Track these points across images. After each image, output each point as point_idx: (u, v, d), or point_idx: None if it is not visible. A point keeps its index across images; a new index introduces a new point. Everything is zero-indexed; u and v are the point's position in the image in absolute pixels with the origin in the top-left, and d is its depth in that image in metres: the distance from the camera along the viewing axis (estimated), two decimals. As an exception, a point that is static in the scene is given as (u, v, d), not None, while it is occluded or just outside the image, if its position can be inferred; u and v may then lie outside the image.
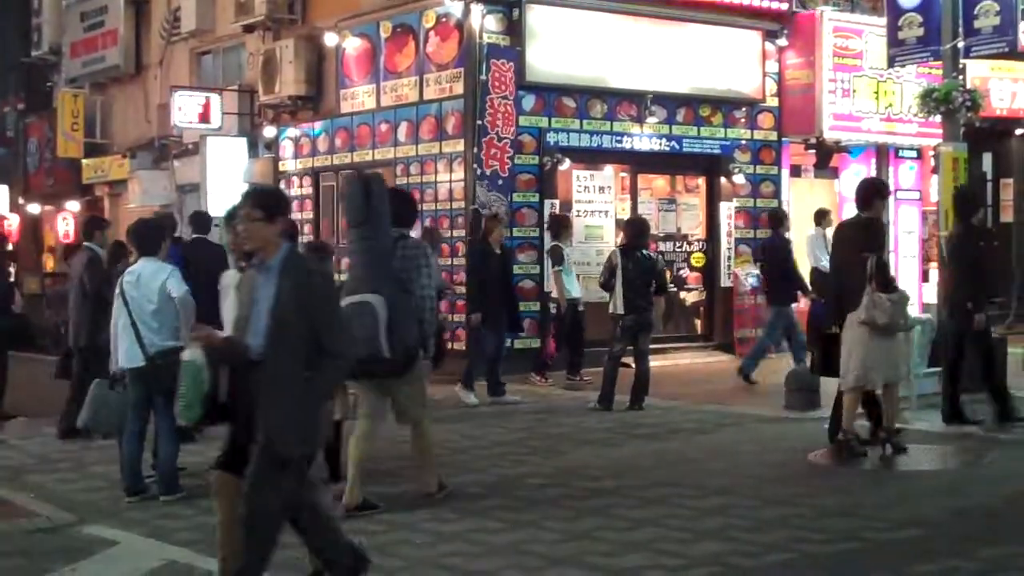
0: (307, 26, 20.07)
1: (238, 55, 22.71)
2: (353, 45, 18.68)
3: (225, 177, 21.31)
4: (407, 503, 8.82)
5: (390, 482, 9.58)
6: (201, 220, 13.69)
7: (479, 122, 16.32)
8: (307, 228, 19.77)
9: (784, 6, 18.90)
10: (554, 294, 15.97)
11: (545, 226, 16.67)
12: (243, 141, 21.65)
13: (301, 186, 20.17)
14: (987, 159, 21.87)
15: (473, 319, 14.35)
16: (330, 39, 18.94)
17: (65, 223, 28.85)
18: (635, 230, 13.77)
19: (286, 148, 20.50)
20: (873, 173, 20.40)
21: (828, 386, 13.48)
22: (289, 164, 20.42)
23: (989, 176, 22.21)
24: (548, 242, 16.21)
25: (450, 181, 17.00)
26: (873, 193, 11.17)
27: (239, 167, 21.33)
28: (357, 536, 6.73)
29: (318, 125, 19.71)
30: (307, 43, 19.61)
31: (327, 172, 19.63)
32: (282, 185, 20.46)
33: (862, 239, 10.59)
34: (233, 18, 21.46)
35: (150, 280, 9.28)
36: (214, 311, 7.54)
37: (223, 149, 21.63)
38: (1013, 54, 16.88)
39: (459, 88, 16.82)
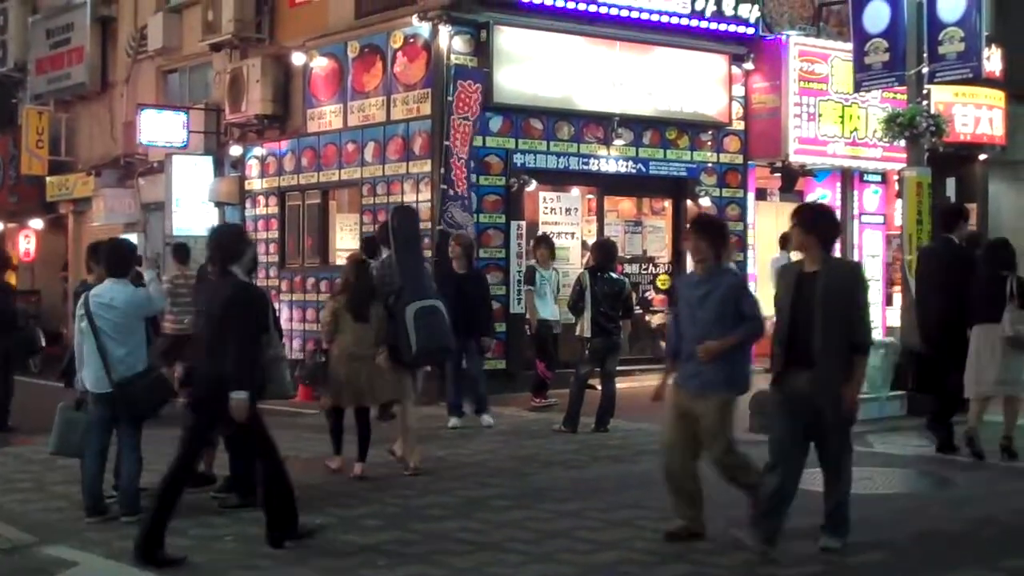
0: (274, 45, 20.04)
1: (205, 73, 22.64)
2: (320, 65, 18.66)
3: (190, 196, 21.24)
4: (368, 526, 8.77)
5: (350, 504, 9.54)
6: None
7: (446, 143, 16.32)
8: (272, 247, 19.70)
9: (750, 31, 19.00)
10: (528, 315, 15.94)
11: (523, 248, 16.71)
12: (209, 160, 21.58)
13: (267, 205, 20.11)
14: (951, 184, 22.00)
15: (488, 343, 14.45)
16: (297, 58, 18.91)
17: (27, 241, 28.66)
18: (603, 252, 13.78)
19: (252, 167, 20.44)
20: (838, 197, 20.57)
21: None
22: (255, 183, 20.36)
23: (953, 201, 22.33)
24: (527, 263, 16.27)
25: (417, 201, 16.96)
26: (957, 216, 12.27)
27: (205, 186, 21.24)
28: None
29: (284, 144, 19.67)
30: (274, 62, 19.59)
31: (293, 191, 19.59)
32: (247, 204, 20.43)
33: (987, 260, 11.48)
34: (200, 36, 21.42)
35: (127, 306, 9.17)
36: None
37: (189, 167, 21.55)
38: (977, 80, 17.07)
39: (426, 109, 16.81)
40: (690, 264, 18.18)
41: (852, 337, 7.51)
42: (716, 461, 8.14)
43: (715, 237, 8.23)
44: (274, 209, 19.97)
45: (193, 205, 21.27)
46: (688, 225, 8.84)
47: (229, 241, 8.57)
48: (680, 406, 8.16)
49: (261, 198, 20.25)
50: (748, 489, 8.06)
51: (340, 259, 18.98)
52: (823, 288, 7.47)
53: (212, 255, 8.69)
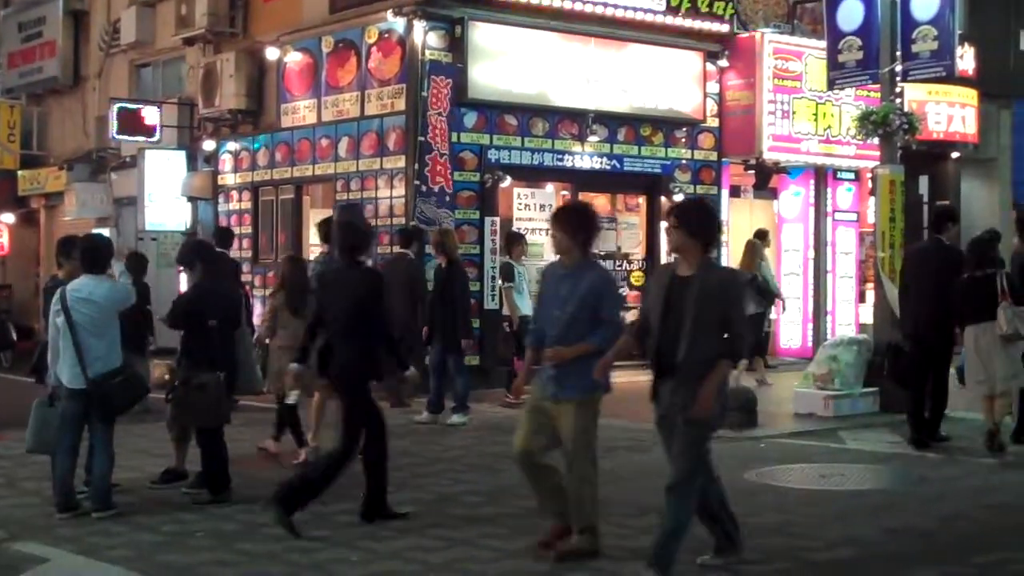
0: (248, 40, 19.97)
1: (178, 68, 22.55)
2: (294, 59, 18.60)
3: (163, 190, 21.15)
4: (341, 522, 8.75)
5: (323, 500, 9.50)
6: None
7: (421, 138, 16.29)
8: (246, 243, 19.63)
9: (725, 28, 19.04)
10: (506, 311, 15.90)
11: (497, 244, 16.69)
12: (182, 154, 21.51)
13: (240, 200, 20.04)
14: (924, 182, 22.12)
15: (467, 345, 14.44)
16: (271, 53, 18.85)
17: (-1, 235, 28.50)
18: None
19: (226, 162, 20.37)
20: (812, 194, 20.63)
21: (765, 405, 13.63)
22: (228, 178, 20.28)
23: (925, 199, 22.46)
24: (500, 259, 16.22)
25: (391, 197, 16.94)
26: (947, 218, 12.40)
27: (177, 180, 21.15)
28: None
29: (258, 139, 19.61)
30: (248, 57, 19.52)
31: (266, 186, 19.52)
32: (221, 199, 20.35)
33: (975, 258, 11.56)
34: (173, 31, 21.32)
35: (105, 300, 9.13)
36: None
37: (161, 162, 21.46)
38: (950, 78, 17.14)
39: (401, 104, 16.78)
40: (664, 261, 18.41)
41: (723, 346, 6.80)
42: (568, 467, 7.58)
43: (576, 227, 7.59)
44: (247, 204, 19.89)
45: (166, 200, 21.19)
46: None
47: (360, 232, 9.38)
48: (536, 399, 7.72)
49: (234, 193, 20.17)
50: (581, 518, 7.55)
51: (314, 254, 18.93)
52: (696, 295, 6.79)
53: (342, 245, 9.16)
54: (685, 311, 6.79)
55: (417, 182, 16.35)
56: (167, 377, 12.23)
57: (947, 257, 11.91)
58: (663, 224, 18.66)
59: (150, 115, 21.44)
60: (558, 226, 7.67)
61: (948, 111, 21.14)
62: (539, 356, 7.72)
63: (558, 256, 7.83)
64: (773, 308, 17.86)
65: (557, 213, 7.98)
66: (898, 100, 15.30)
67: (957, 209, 13.02)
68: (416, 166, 16.36)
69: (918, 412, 12.01)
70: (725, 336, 6.83)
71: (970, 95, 21.44)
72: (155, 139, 21.42)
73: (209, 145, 20.64)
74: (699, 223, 7.02)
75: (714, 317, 6.79)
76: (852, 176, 20.92)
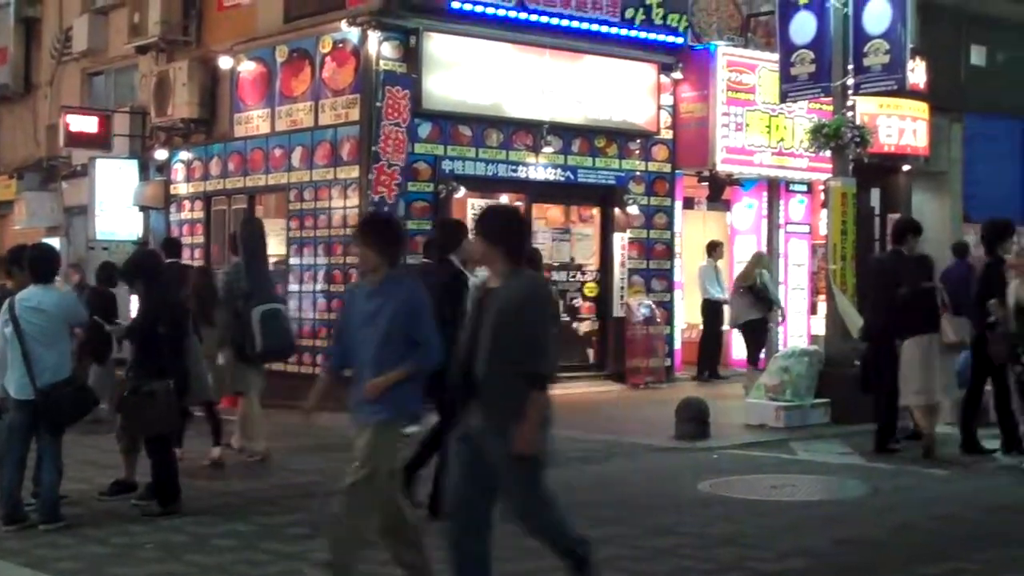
0: (202, 49, 19.86)
1: (130, 76, 22.39)
2: (248, 69, 18.52)
3: (114, 200, 21.01)
4: (292, 535, 8.69)
5: (273, 512, 9.46)
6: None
7: (374, 148, 16.24)
8: (197, 252, 19.51)
9: (679, 40, 19.09)
10: None
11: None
12: (134, 163, 21.34)
13: (192, 210, 19.92)
14: (875, 194, 22.26)
15: None
16: (225, 62, 18.76)
17: (-52, 244, 28.20)
18: (527, 261, 13.74)
19: (178, 171, 20.25)
20: (764, 206, 20.74)
21: (717, 416, 13.66)
22: (181, 187, 20.17)
23: (877, 211, 22.60)
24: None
25: (344, 207, 16.89)
26: (908, 231, 12.51)
27: (129, 189, 21.00)
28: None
29: (211, 148, 19.50)
30: (201, 66, 19.40)
31: (219, 196, 19.42)
32: (173, 208, 20.23)
33: (913, 273, 11.91)
34: (126, 39, 21.17)
35: (56, 310, 9.05)
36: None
37: (113, 171, 21.31)
38: (901, 92, 17.29)
39: (355, 114, 16.73)
40: (618, 272, 18.48)
41: (524, 366, 6.05)
42: (346, 490, 6.80)
43: (383, 242, 6.94)
44: (200, 214, 19.77)
45: (117, 209, 21.04)
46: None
47: (452, 231, 9.98)
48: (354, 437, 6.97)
49: (187, 202, 20.05)
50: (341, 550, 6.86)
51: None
52: (496, 309, 6.13)
53: (435, 243, 9.92)
54: (484, 326, 6.16)
55: (369, 192, 16.29)
56: (116, 387, 12.15)
57: (902, 269, 12.02)
58: (617, 236, 18.75)
59: (100, 124, 21.32)
60: (363, 241, 6.97)
61: (899, 124, 21.29)
62: (339, 380, 7.16)
63: (363, 274, 7.15)
64: (775, 315, 18.44)
65: (361, 227, 7.27)
66: (850, 113, 15.42)
67: (919, 222, 13.19)
68: (370, 176, 16.31)
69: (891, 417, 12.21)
70: (526, 359, 6.06)
71: (921, 108, 21.61)
72: (107, 148, 21.26)
73: (161, 154, 20.50)
74: (500, 229, 6.38)
75: (514, 334, 6.08)
76: (804, 188, 21.05)
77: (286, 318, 11.96)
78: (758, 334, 17.72)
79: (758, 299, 17.39)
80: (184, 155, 20.11)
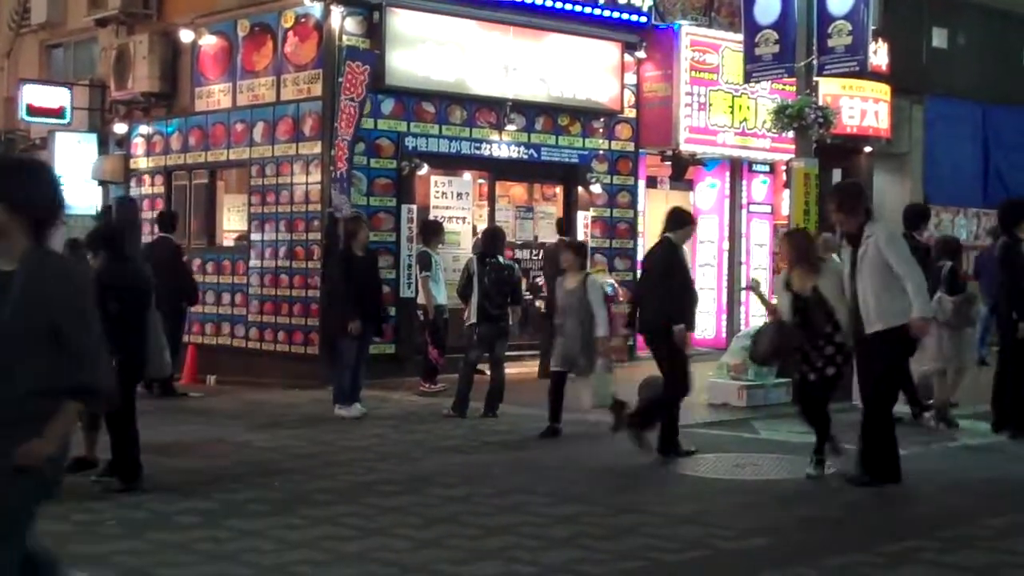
0: (162, 22, 19.68)
1: (90, 49, 22.17)
2: (209, 43, 18.35)
3: (74, 174, 20.79)
4: (254, 511, 8.65)
5: (234, 489, 9.42)
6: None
7: (336, 124, 16.14)
8: (158, 228, 19.33)
9: (643, 19, 19.08)
10: (421, 300, 15.76)
11: (414, 232, 16.58)
12: (93, 137, 21.16)
13: (153, 185, 19.77)
14: (837, 175, 22.33)
15: (353, 328, 13.36)
16: (186, 35, 18.58)
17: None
18: (489, 239, 13.76)
19: (138, 145, 20.07)
20: (727, 186, 20.79)
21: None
22: (141, 162, 20.00)
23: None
24: (417, 248, 16.08)
25: (306, 183, 16.80)
26: (921, 217, 13.32)
27: (88, 164, 20.81)
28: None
29: (171, 123, 19.34)
30: (162, 39, 19.21)
31: (180, 171, 19.28)
32: (133, 183, 20.06)
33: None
34: (86, 11, 20.99)
35: None
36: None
37: (72, 145, 21.11)
38: (863, 73, 17.34)
39: (317, 90, 16.63)
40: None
41: (62, 376, 4.43)
42: None
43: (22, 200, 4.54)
44: (160, 188, 19.62)
45: (76, 183, 20.80)
46: None
47: (675, 214, 11.19)
48: None
49: (147, 177, 19.88)
50: None
51: (228, 240, 18.78)
52: (15, 299, 4.39)
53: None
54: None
55: (331, 168, 16.19)
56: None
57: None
58: (580, 214, 18.75)
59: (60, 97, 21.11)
60: None
61: (861, 106, 21.39)
62: None
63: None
64: None
65: None
66: (813, 94, 15.44)
67: (928, 208, 13.60)
68: (332, 152, 16.21)
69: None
70: (64, 362, 4.44)
71: (883, 90, 21.71)
72: (65, 121, 21.06)
73: (121, 128, 20.33)
74: (21, 191, 4.51)
75: (41, 328, 4.41)
76: (767, 169, 21.12)
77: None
78: None
79: None
80: (144, 129, 19.93)
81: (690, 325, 11.05)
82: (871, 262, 9.27)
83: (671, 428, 10.82)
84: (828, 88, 19.31)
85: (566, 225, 17.97)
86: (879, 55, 20.47)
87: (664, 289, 10.71)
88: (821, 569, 7.19)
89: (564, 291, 12.11)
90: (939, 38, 23.78)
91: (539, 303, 17.10)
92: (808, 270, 9.82)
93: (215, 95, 18.34)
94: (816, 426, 10.03)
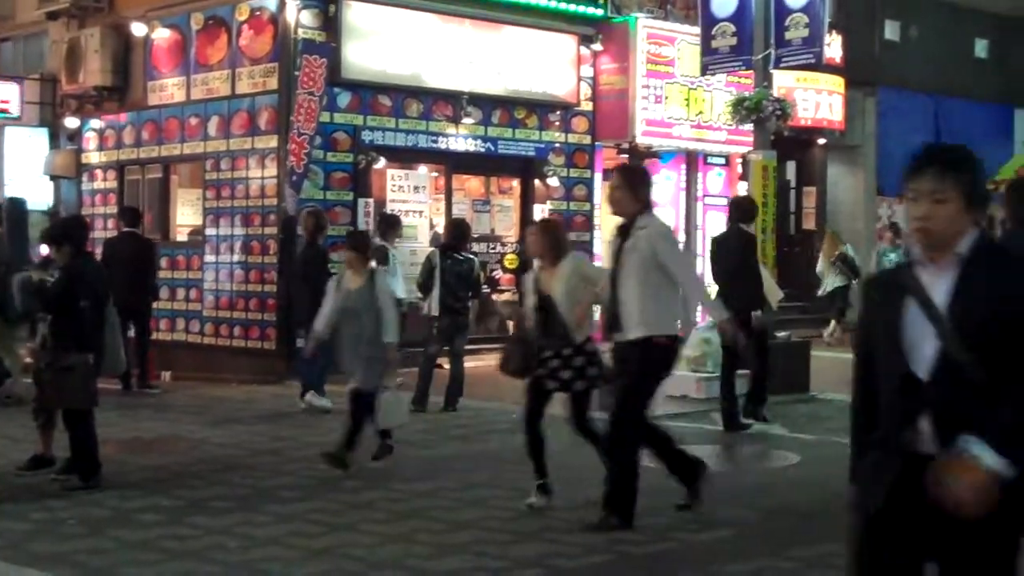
0: (114, 15, 19.43)
1: (40, 43, 21.88)
2: (162, 36, 18.16)
3: (24, 169, 20.57)
4: (217, 508, 8.57)
5: (195, 486, 9.33)
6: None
7: (292, 118, 16.02)
8: (111, 223, 19.17)
9: (599, 12, 19.08)
10: None
11: (369, 226, 16.47)
12: (44, 132, 20.90)
13: (105, 179, 19.56)
14: (791, 167, 22.47)
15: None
16: (138, 29, 18.37)
17: None
18: (455, 232, 13.70)
19: (90, 140, 19.85)
20: (683, 179, 20.82)
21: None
22: (93, 156, 19.77)
23: (793, 184, 22.83)
24: (375, 242, 15.96)
25: (262, 178, 16.66)
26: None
27: (40, 159, 20.57)
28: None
29: (124, 117, 19.13)
30: (114, 32, 18.99)
31: (133, 165, 19.08)
32: (85, 178, 19.85)
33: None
34: (36, 5, 20.72)
35: None
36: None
37: (23, 140, 20.86)
38: (819, 66, 17.43)
39: (273, 83, 16.50)
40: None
41: None
42: None
43: None
44: (113, 183, 19.41)
45: (27, 179, 20.59)
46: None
47: (746, 204, 12.11)
48: None
49: (99, 172, 19.67)
50: None
51: (181, 235, 18.60)
52: None
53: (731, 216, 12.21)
54: None
55: (288, 163, 16.05)
56: (28, 360, 11.89)
57: None
58: (537, 207, 18.72)
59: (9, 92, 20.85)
60: None
61: (816, 98, 21.50)
62: None
63: None
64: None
65: None
66: (769, 87, 15.51)
67: None
68: (289, 146, 16.08)
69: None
70: None
71: (837, 83, 21.83)
72: (16, 116, 20.80)
73: (72, 122, 20.07)
74: None
75: None
76: (722, 161, 21.16)
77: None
78: (843, 300, 20.79)
79: (850, 268, 20.59)
80: (96, 123, 19.71)
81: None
82: (640, 258, 7.82)
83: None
84: (783, 81, 19.38)
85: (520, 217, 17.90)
86: (833, 47, 20.58)
87: (745, 278, 11.35)
88: (791, 560, 7.21)
89: (345, 292, 10.19)
90: (892, 31, 23.92)
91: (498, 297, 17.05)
92: (554, 266, 8.50)
93: (168, 89, 18.16)
94: (534, 450, 8.68)
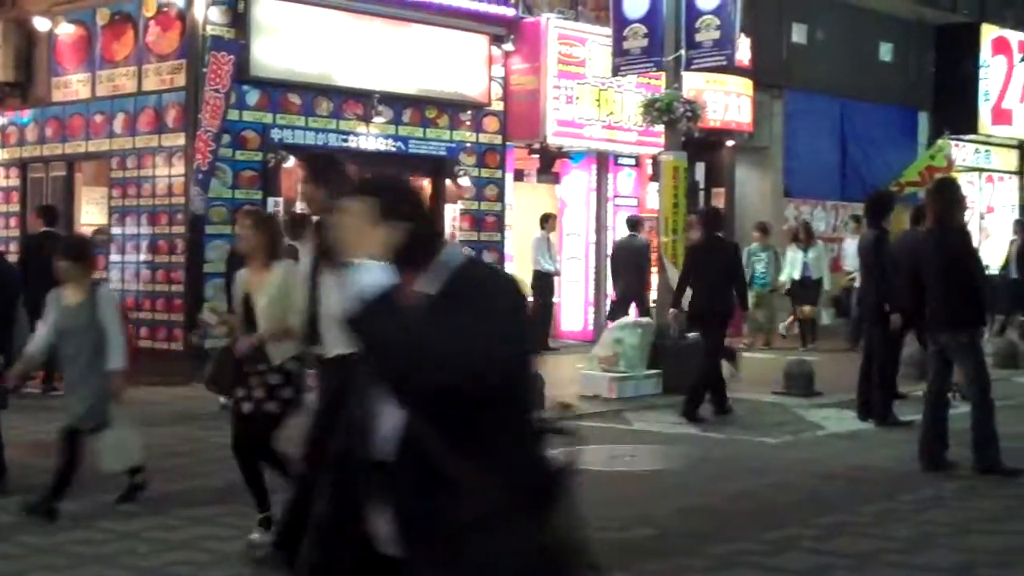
0: (17, 9, 19.00)
1: (-61, 37, 21.36)
2: (67, 31, 17.82)
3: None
4: (127, 512, 8.41)
5: (104, 489, 9.14)
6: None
7: (199, 115, 15.80)
8: (13, 221, 18.79)
9: (511, 12, 19.07)
10: None
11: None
12: (-57, 128, 20.41)
13: (7, 177, 19.14)
14: (700, 169, 22.62)
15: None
16: (41, 24, 18.02)
17: None
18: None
19: (-9, 137, 19.44)
20: (593, 179, 20.89)
21: (550, 387, 13.69)
22: (-6, 154, 19.37)
23: (702, 185, 22.99)
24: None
25: (170, 176, 16.42)
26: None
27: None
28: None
29: (27, 113, 18.74)
30: (16, 27, 18.58)
31: (36, 163, 18.70)
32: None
33: None
34: (-65, -3, 20.19)
35: None
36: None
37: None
38: (728, 68, 17.56)
39: (181, 80, 16.27)
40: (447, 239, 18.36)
41: None
42: None
43: None
44: (15, 181, 19.01)
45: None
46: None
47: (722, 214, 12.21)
48: None
49: (1, 169, 19.25)
50: None
51: (86, 233, 18.26)
52: None
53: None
54: None
55: (196, 161, 15.83)
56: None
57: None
58: (448, 207, 18.67)
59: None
60: None
61: (725, 100, 21.67)
62: None
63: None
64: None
65: None
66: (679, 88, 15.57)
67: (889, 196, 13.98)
68: (195, 144, 15.86)
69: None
70: None
71: (746, 85, 22.02)
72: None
73: (-27, 119, 19.65)
74: None
75: None
76: (632, 162, 21.27)
77: None
78: None
79: None
80: (-3, 120, 19.32)
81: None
82: None
83: None
84: (692, 82, 19.47)
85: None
86: (742, 50, 20.73)
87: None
88: (709, 558, 7.24)
89: (62, 308, 8.47)
90: (798, 33, 24.19)
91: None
92: (265, 268, 7.49)
93: (73, 85, 17.84)
94: (251, 481, 7.57)
